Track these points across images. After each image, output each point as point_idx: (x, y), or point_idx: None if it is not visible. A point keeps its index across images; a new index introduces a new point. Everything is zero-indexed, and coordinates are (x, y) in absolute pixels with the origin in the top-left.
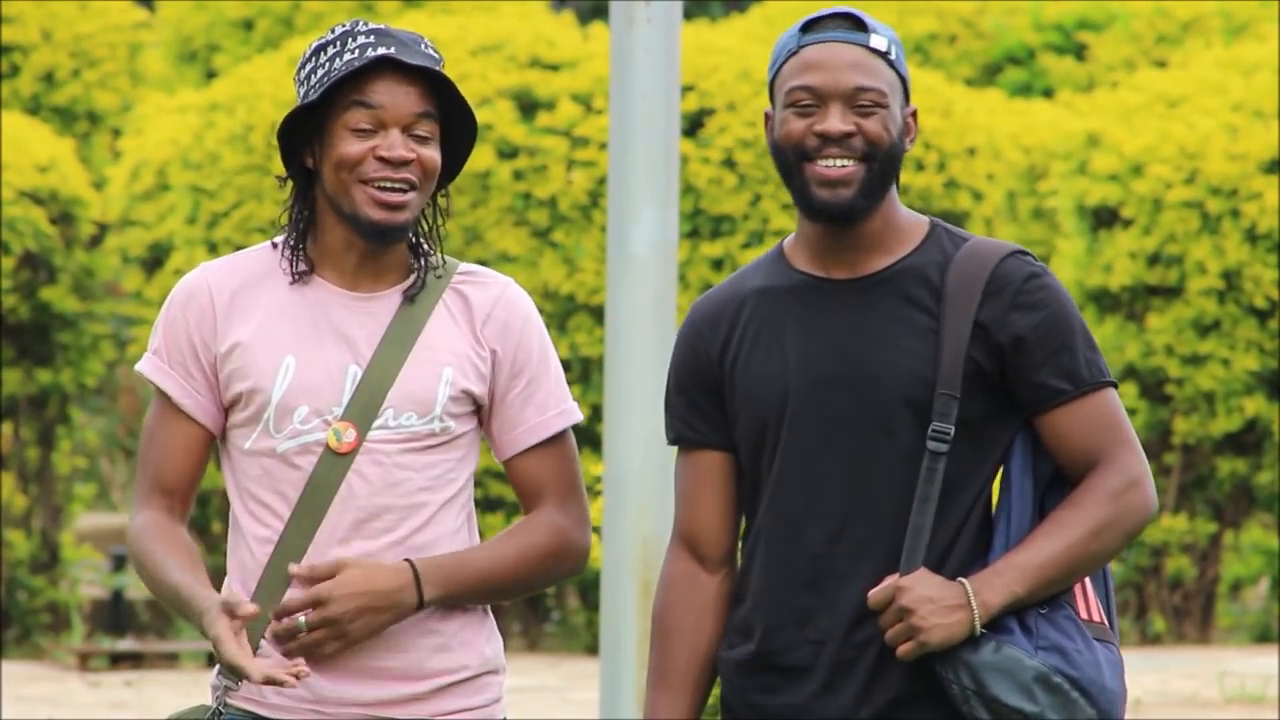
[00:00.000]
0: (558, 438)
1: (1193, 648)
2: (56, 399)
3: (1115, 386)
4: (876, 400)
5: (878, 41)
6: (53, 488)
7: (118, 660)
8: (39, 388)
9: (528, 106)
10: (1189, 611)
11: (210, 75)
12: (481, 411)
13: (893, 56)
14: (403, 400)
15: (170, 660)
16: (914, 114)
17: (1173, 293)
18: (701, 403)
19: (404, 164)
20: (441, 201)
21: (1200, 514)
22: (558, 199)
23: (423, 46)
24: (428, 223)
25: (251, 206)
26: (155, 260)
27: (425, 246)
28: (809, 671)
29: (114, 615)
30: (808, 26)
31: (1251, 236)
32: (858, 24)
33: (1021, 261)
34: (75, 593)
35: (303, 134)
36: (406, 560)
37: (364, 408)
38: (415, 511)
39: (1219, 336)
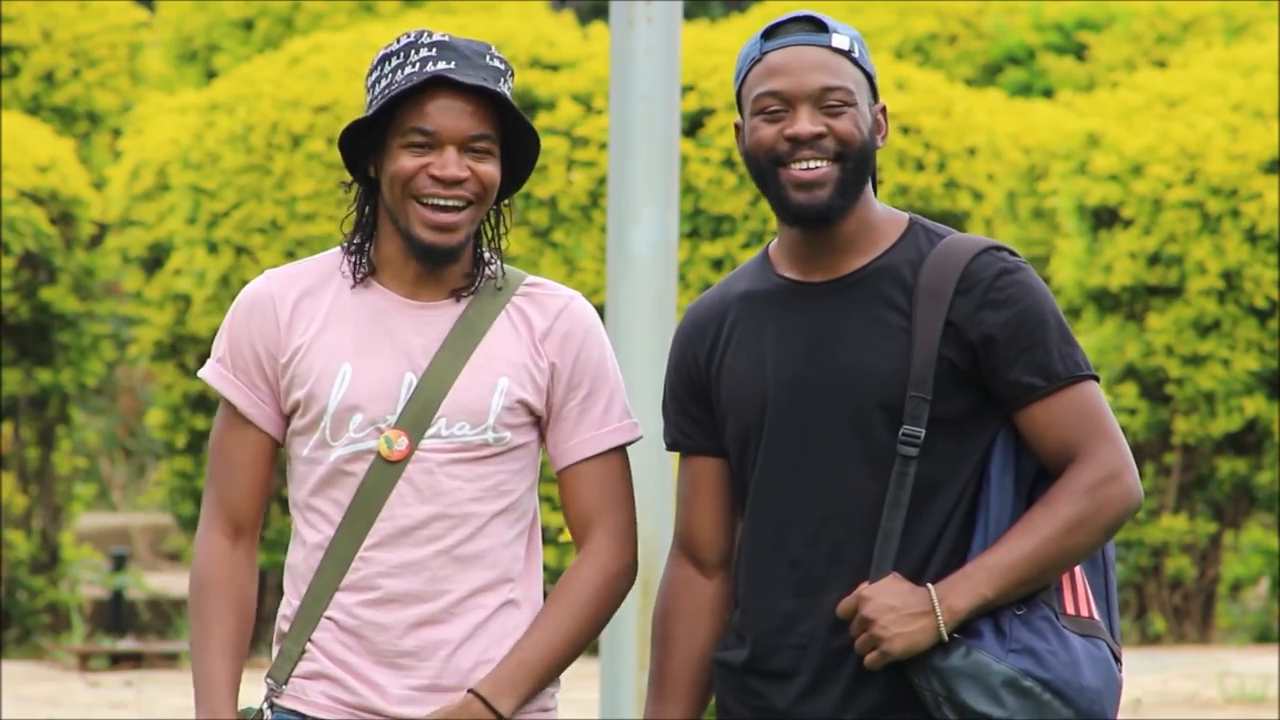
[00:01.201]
0: (612, 453)
1: (1193, 648)
2: (56, 399)
3: (1096, 379)
4: (851, 402)
5: (839, 41)
6: (53, 488)
7: (118, 660)
8: (39, 388)
9: (528, 107)
10: (1189, 611)
11: (210, 75)
12: (541, 423)
13: (856, 54)
14: (456, 410)
15: (170, 660)
16: (884, 110)
17: (1173, 293)
18: (692, 409)
19: (457, 183)
20: (505, 210)
21: (1200, 514)
22: (558, 199)
23: (487, 58)
24: (490, 232)
25: (251, 206)
26: (155, 260)
27: (487, 255)
28: (794, 676)
29: (114, 615)
30: (769, 33)
31: (1251, 236)
32: (818, 26)
33: (994, 257)
34: (75, 593)
35: (366, 143)
36: (470, 691)
37: (417, 416)
38: (464, 521)
39: (1219, 336)
